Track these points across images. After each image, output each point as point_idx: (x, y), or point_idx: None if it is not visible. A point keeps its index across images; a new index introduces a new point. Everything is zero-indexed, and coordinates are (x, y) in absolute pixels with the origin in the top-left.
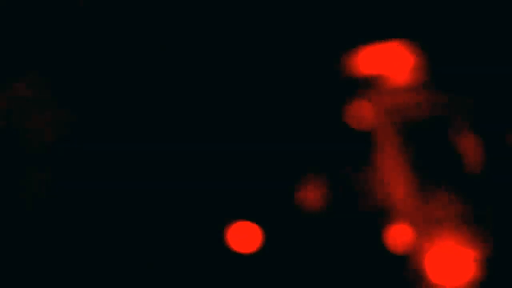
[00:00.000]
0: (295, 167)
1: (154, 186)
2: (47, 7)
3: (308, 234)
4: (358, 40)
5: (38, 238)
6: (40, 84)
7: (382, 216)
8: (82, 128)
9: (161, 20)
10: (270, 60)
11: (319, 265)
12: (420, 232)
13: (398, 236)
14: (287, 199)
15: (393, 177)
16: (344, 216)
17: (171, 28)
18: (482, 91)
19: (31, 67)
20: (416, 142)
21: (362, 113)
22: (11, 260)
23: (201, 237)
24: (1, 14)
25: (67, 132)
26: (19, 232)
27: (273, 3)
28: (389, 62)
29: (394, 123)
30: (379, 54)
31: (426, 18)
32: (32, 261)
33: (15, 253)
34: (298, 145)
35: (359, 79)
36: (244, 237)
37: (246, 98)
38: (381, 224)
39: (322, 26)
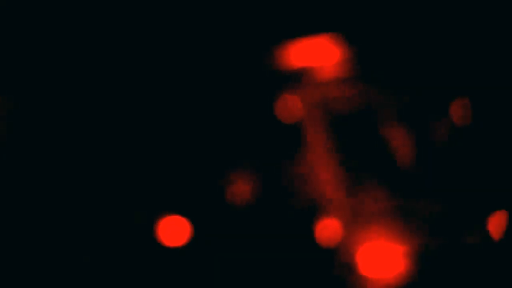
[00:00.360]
0: (224, 160)
1: (84, 183)
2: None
3: (237, 228)
4: (286, 34)
5: None
6: None
7: (311, 210)
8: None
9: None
10: (198, 54)
11: (248, 259)
12: (350, 226)
13: (328, 230)
14: (216, 193)
15: (322, 170)
16: (273, 210)
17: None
18: (410, 84)
19: None
20: (345, 136)
21: (290, 106)
22: None
23: (131, 231)
24: None
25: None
26: None
27: None
28: (317, 56)
29: (323, 117)
30: (307, 48)
31: (353, 12)
32: None
33: None
34: (227, 139)
35: (287, 73)
36: (173, 231)
37: (175, 91)
38: (310, 218)
39: (250, 20)
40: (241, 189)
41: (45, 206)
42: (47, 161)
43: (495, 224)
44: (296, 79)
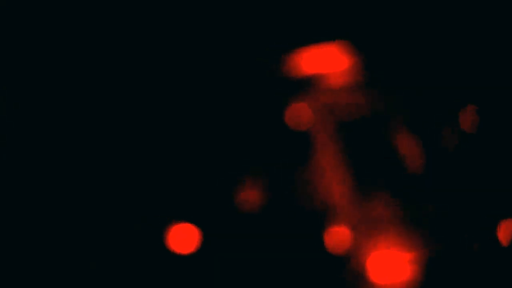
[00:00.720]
0: (234, 167)
1: (94, 189)
2: None
3: (247, 235)
4: (295, 41)
5: None
6: None
7: (321, 217)
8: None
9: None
10: (209, 62)
11: (258, 265)
12: (359, 232)
13: (338, 236)
14: (226, 200)
15: (332, 177)
16: (283, 217)
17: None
18: (418, 91)
19: None
20: (354, 142)
21: (300, 113)
22: None
23: (140, 238)
24: None
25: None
26: None
27: (213, 4)
28: (326, 63)
29: (332, 124)
30: (316, 55)
31: (362, 20)
32: None
33: None
34: (237, 146)
35: (297, 80)
36: (183, 238)
37: (186, 99)
38: (320, 225)
39: (260, 28)
40: (250, 196)
41: (53, 212)
42: (52, 167)
43: (504, 231)
44: (305, 86)
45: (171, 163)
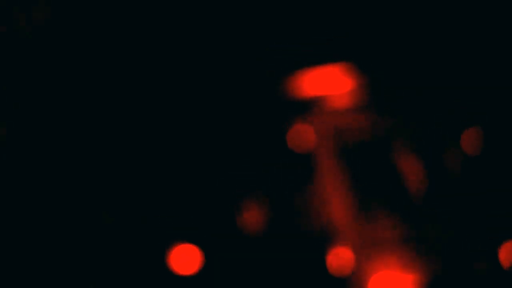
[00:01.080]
0: (236, 189)
1: (95, 210)
2: None
3: (249, 256)
4: (298, 63)
5: None
6: None
7: (323, 239)
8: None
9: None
10: (211, 82)
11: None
12: (362, 254)
13: (340, 258)
14: (228, 221)
15: (334, 199)
16: (285, 239)
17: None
18: (422, 113)
19: None
20: (357, 164)
21: (303, 135)
22: None
23: (142, 259)
24: None
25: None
26: None
27: (215, 24)
28: (329, 85)
29: (335, 146)
30: (319, 77)
31: (365, 41)
32: None
33: None
34: (239, 167)
35: (299, 101)
36: (184, 259)
37: (187, 117)
38: (322, 247)
39: (263, 50)
40: (252, 217)
41: (52, 223)
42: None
43: (506, 253)
44: (308, 108)
45: (173, 183)
